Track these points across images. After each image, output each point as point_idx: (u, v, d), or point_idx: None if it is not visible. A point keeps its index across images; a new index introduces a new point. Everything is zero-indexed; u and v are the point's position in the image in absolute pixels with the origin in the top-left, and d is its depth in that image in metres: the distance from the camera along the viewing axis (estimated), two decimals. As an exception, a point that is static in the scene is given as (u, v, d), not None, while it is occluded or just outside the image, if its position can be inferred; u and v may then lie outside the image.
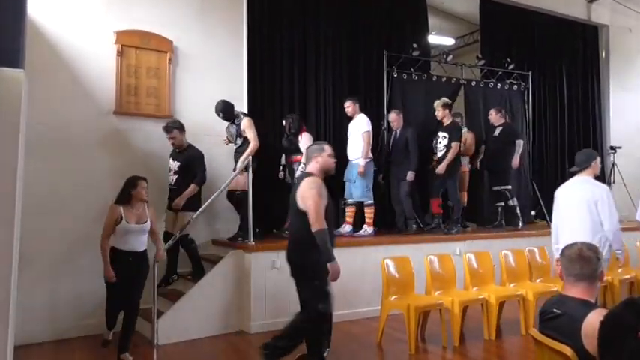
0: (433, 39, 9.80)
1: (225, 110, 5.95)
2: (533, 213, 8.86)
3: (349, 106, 6.75)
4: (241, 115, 6.02)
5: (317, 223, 3.62)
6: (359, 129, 6.62)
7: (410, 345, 4.76)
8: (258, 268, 5.49)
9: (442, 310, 5.02)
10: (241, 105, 6.47)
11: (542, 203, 8.53)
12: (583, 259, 2.43)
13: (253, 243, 5.61)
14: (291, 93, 7.15)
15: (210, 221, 6.29)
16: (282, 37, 7.10)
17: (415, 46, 7.81)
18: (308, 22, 7.31)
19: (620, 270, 6.43)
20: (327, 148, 4.02)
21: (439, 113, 7.08)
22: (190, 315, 5.25)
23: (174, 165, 5.74)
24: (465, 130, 7.72)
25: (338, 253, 5.93)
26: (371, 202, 6.66)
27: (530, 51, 9.38)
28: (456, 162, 7.00)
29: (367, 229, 6.66)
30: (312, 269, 3.74)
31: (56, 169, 5.43)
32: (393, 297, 5.10)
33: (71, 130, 5.56)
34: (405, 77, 7.87)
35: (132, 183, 4.52)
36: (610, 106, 10.11)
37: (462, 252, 5.95)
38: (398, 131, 7.11)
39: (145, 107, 6.01)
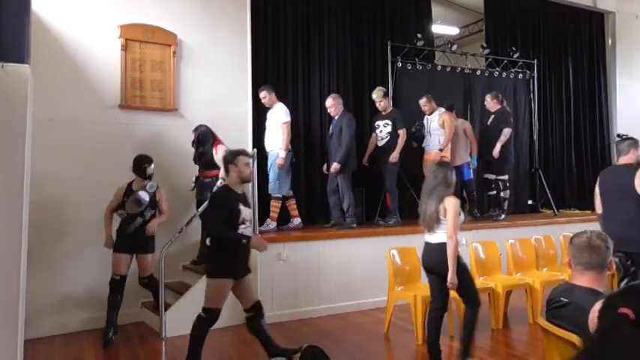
0: (437, 28, 9.76)
1: (137, 166, 5.14)
2: (530, 202, 8.84)
3: (265, 97, 6.25)
4: (156, 184, 5.18)
5: None
6: (277, 119, 6.16)
7: (417, 335, 4.78)
8: (264, 261, 5.50)
9: (449, 301, 5.02)
10: (246, 98, 6.47)
11: (548, 192, 8.51)
12: (592, 248, 2.42)
13: (259, 235, 5.61)
14: (295, 85, 7.14)
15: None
16: (286, 29, 7.08)
17: (419, 36, 7.78)
18: (312, 14, 7.28)
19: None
20: None
21: (382, 103, 6.74)
22: (197, 307, 5.21)
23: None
24: (443, 109, 7.13)
25: (343, 244, 6.02)
26: (279, 195, 6.19)
27: (535, 39, 9.32)
28: (395, 150, 6.62)
29: (270, 222, 6.17)
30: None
31: (62, 164, 5.44)
32: (400, 287, 5.12)
33: (77, 124, 5.57)
34: (409, 67, 7.85)
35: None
36: (617, 94, 10.02)
37: (469, 242, 5.94)
38: (336, 118, 6.56)
39: (149, 101, 6.01)
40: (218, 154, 5.68)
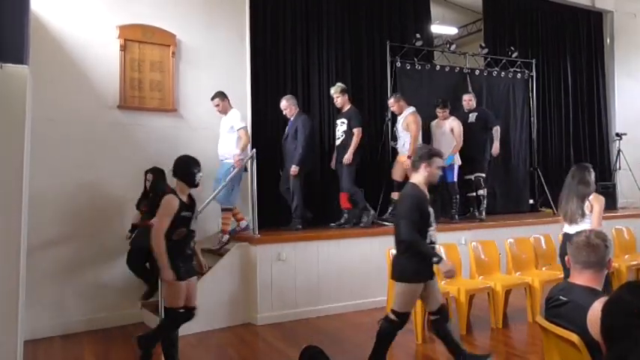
0: (436, 28, 9.76)
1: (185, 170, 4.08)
2: (531, 201, 8.84)
3: (218, 105, 5.98)
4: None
5: None
6: (233, 126, 5.91)
7: (417, 335, 4.79)
8: (263, 261, 5.51)
9: (448, 300, 5.02)
10: (245, 97, 6.47)
11: (547, 191, 8.52)
12: (590, 247, 2.43)
13: (259, 235, 5.62)
14: (294, 84, 7.13)
15: (216, 214, 6.29)
16: (285, 29, 7.08)
17: (418, 35, 7.79)
18: (311, 14, 7.28)
19: (626, 256, 6.43)
20: None
21: (338, 100, 6.51)
22: (197, 308, 5.27)
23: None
24: (410, 109, 6.80)
25: (342, 244, 6.02)
26: (230, 206, 5.91)
27: (534, 39, 9.33)
28: (348, 152, 6.34)
29: (223, 236, 5.87)
30: None
31: (62, 164, 5.44)
32: (400, 287, 5.11)
33: (76, 125, 5.57)
34: (408, 67, 7.84)
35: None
36: (615, 93, 10.04)
37: (468, 241, 5.95)
38: (291, 119, 6.40)
39: (149, 101, 6.02)
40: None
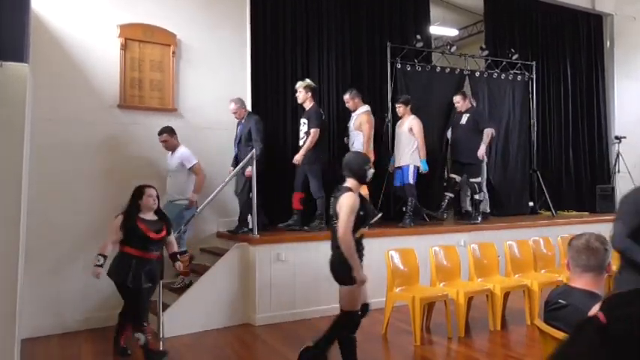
0: (436, 30, 9.77)
1: (358, 167, 3.91)
2: (531, 204, 8.84)
3: (166, 140, 5.66)
4: None
5: None
6: (185, 164, 5.64)
7: (415, 336, 4.78)
8: (262, 261, 5.50)
9: (447, 302, 5.03)
10: (245, 97, 6.46)
11: (546, 194, 8.53)
12: (590, 251, 2.42)
13: (258, 236, 5.62)
14: (294, 84, 7.10)
15: (214, 214, 6.29)
16: (285, 30, 7.07)
17: (418, 37, 7.78)
18: (311, 14, 7.27)
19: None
20: None
21: (300, 95, 6.28)
22: (196, 308, 5.27)
23: None
24: (364, 108, 6.69)
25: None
26: (184, 249, 5.59)
27: (534, 41, 9.34)
28: (316, 150, 6.15)
29: (185, 278, 5.63)
30: None
31: (62, 164, 5.44)
32: (398, 288, 5.12)
33: (76, 124, 5.57)
34: (408, 69, 7.84)
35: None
36: (615, 96, 10.05)
37: (467, 243, 5.95)
38: (242, 121, 6.19)
39: (149, 101, 6.01)
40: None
